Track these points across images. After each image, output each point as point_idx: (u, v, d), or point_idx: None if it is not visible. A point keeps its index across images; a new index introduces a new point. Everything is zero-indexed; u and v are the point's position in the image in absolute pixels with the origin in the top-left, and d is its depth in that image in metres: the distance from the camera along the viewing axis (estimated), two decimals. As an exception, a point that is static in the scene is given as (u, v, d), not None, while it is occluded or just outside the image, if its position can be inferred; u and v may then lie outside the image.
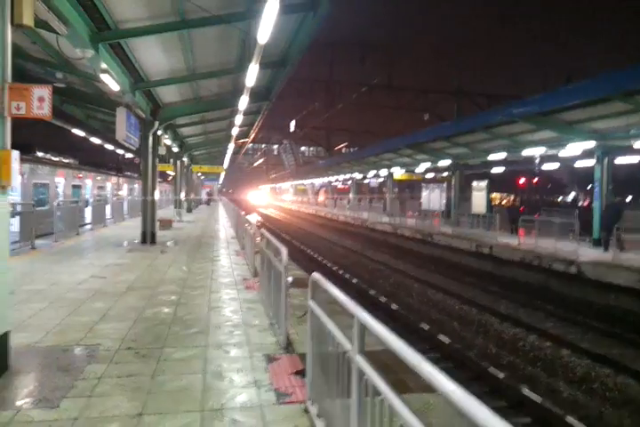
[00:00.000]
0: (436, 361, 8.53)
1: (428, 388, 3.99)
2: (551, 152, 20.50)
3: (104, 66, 9.54)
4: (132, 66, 11.61)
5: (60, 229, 14.85)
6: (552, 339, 10.33)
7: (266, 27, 7.51)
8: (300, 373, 4.35)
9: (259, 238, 9.07)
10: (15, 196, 14.86)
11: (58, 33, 7.67)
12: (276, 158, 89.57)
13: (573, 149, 18.05)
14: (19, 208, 13.34)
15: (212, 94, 15.20)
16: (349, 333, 2.69)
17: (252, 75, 10.66)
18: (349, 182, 53.09)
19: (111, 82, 10.41)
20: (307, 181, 72.75)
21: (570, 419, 6.65)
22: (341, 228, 37.38)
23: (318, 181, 67.56)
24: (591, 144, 16.86)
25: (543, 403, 7.15)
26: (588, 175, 21.88)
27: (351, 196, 49.54)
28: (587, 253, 14.84)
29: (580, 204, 38.92)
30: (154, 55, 11.27)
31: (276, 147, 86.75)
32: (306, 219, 51.16)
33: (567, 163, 26.14)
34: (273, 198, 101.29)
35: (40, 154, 20.61)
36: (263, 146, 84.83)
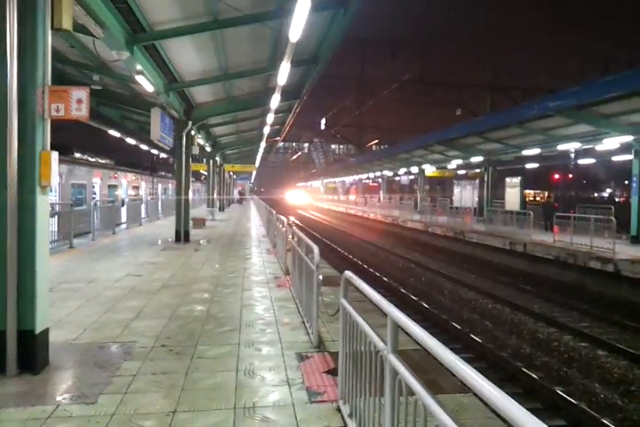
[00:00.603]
0: (468, 361, 8.42)
1: (461, 388, 3.96)
2: (587, 147, 20.02)
3: (139, 67, 9.70)
4: (165, 67, 11.77)
5: (97, 229, 15.19)
6: (587, 339, 10.10)
7: (297, 24, 7.50)
8: (332, 371, 4.35)
9: (290, 236, 9.11)
10: (53, 196, 15.25)
11: (95, 36, 7.83)
12: (307, 157, 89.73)
13: (610, 143, 17.61)
14: (57, 208, 13.67)
15: (244, 93, 15.29)
16: (382, 331, 2.67)
17: (284, 73, 10.68)
18: (380, 180, 52.84)
19: (146, 83, 10.58)
20: (337, 179, 72.68)
21: (606, 421, 6.49)
22: (372, 226, 37.23)
23: (349, 179, 67.42)
24: (629, 138, 16.41)
25: (579, 405, 6.99)
26: (625, 170, 21.23)
27: (382, 193, 49.29)
28: (624, 250, 14.44)
29: (616, 200, 37.86)
30: (187, 56, 11.41)
31: (306, 145, 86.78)
32: (337, 217, 51.14)
33: (603, 157, 25.51)
34: (312, 198, 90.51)
35: (78, 155, 21.06)
36: (294, 144, 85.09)
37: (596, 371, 8.55)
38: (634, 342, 9.97)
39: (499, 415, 1.40)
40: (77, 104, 4.81)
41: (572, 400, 7.11)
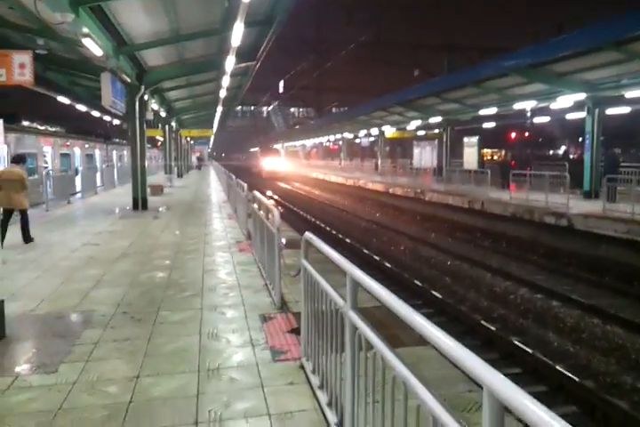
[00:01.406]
0: (429, 316, 8.67)
1: (421, 341, 4.06)
2: (542, 105, 20.32)
3: (85, 30, 9.23)
4: (114, 29, 11.29)
5: (51, 199, 14.75)
6: (542, 291, 10.51)
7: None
8: (295, 331, 4.40)
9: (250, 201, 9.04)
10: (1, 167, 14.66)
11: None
12: (266, 120, 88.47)
13: (564, 101, 17.88)
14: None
15: (198, 56, 14.83)
16: (343, 291, 2.69)
17: (238, 34, 10.40)
18: (340, 143, 52.68)
19: (94, 46, 10.12)
20: (298, 143, 72.06)
21: (559, 368, 6.82)
22: (334, 188, 37.30)
23: (310, 143, 66.94)
24: (582, 96, 16.69)
25: (534, 354, 7.31)
26: (578, 128, 21.69)
27: (342, 156, 49.24)
28: (577, 205, 14.91)
29: (571, 157, 38.82)
30: (136, 17, 10.95)
31: (265, 109, 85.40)
32: (299, 180, 51.04)
33: (558, 116, 25.96)
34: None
35: (26, 123, 20.23)
36: (252, 108, 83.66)
37: (550, 321, 8.93)
38: (586, 293, 10.43)
39: (456, 366, 1.42)
40: (20, 69, 4.59)
41: (528, 349, 7.43)
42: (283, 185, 42.92)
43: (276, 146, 71.82)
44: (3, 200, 8.84)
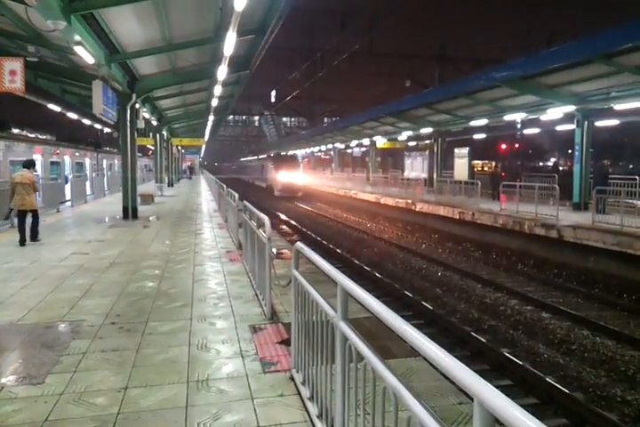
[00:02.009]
0: (419, 327, 8.66)
1: (412, 353, 4.05)
2: (532, 117, 20.51)
3: (77, 38, 9.22)
4: (106, 37, 11.27)
5: (40, 207, 14.60)
6: (532, 302, 10.53)
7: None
8: (285, 342, 4.37)
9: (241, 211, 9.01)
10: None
11: (27, 4, 7.36)
12: (258, 130, 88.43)
13: (554, 113, 18.08)
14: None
15: (190, 65, 14.85)
16: (333, 301, 2.68)
17: (230, 43, 10.42)
18: (332, 153, 52.76)
19: (86, 54, 10.10)
20: (290, 153, 72.10)
21: (548, 379, 6.82)
22: (325, 197, 37.30)
23: (301, 152, 67.03)
24: (571, 108, 16.88)
25: (523, 365, 7.31)
26: (568, 140, 21.90)
27: (333, 166, 49.29)
28: (567, 216, 15.00)
29: (560, 168, 39.14)
30: (129, 26, 10.94)
31: (257, 118, 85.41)
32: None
33: (548, 127, 26.20)
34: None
35: (16, 131, 20.11)
36: (244, 117, 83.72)
37: (540, 332, 8.95)
38: (576, 304, 10.48)
39: (447, 377, 1.42)
40: (11, 76, 4.57)
41: (518, 361, 7.43)
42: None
43: (291, 152, 60.44)
44: (17, 202, 9.74)
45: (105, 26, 10.63)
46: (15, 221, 12.23)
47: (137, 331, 4.78)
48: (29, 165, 10.44)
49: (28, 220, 10.03)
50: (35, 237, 9.98)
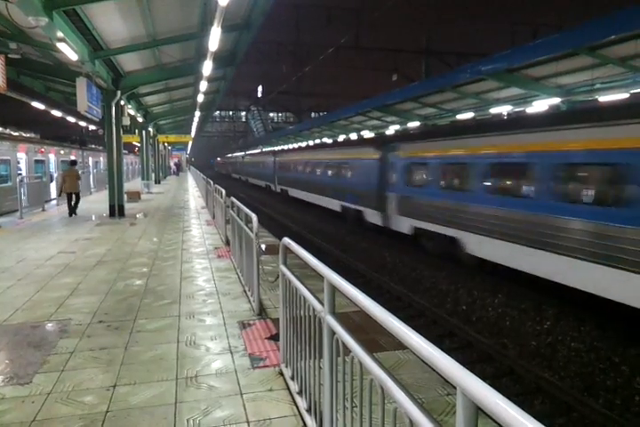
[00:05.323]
0: (406, 319, 8.72)
1: (400, 346, 4.07)
2: (518, 109, 20.61)
3: (60, 34, 9.10)
4: (89, 34, 11.15)
5: (25, 206, 14.51)
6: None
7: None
8: (274, 337, 4.38)
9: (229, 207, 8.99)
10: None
11: (7, 0, 7.26)
12: (245, 126, 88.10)
13: (540, 105, 18.16)
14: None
15: (175, 61, 14.75)
16: (321, 296, 2.68)
17: (215, 38, 10.34)
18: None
19: (69, 51, 9.98)
20: (277, 148, 71.93)
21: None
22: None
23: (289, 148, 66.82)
24: (557, 100, 16.98)
25: (509, 355, 7.38)
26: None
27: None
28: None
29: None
30: (112, 22, 10.83)
31: (243, 114, 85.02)
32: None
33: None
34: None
35: (-2, 129, 19.87)
36: (231, 113, 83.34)
37: (527, 324, 9.01)
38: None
39: (433, 369, 1.43)
40: (-9, 73, 4.49)
41: (504, 351, 7.49)
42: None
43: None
44: (68, 187, 14.43)
45: (88, 22, 10.51)
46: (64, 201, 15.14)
47: (125, 329, 4.76)
48: (74, 163, 15.67)
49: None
50: (73, 212, 14.43)
